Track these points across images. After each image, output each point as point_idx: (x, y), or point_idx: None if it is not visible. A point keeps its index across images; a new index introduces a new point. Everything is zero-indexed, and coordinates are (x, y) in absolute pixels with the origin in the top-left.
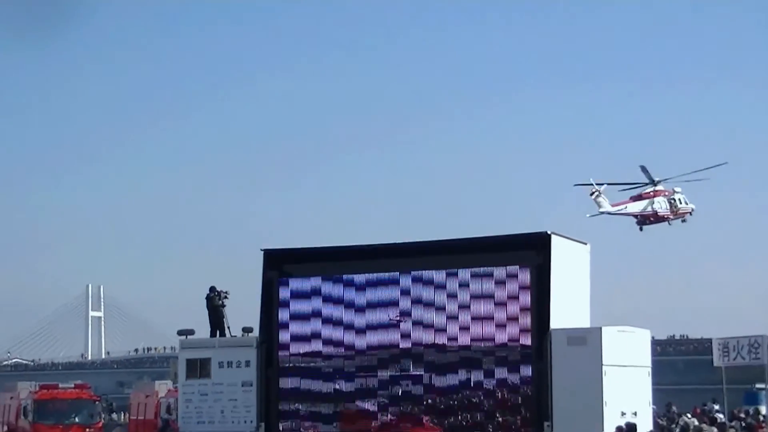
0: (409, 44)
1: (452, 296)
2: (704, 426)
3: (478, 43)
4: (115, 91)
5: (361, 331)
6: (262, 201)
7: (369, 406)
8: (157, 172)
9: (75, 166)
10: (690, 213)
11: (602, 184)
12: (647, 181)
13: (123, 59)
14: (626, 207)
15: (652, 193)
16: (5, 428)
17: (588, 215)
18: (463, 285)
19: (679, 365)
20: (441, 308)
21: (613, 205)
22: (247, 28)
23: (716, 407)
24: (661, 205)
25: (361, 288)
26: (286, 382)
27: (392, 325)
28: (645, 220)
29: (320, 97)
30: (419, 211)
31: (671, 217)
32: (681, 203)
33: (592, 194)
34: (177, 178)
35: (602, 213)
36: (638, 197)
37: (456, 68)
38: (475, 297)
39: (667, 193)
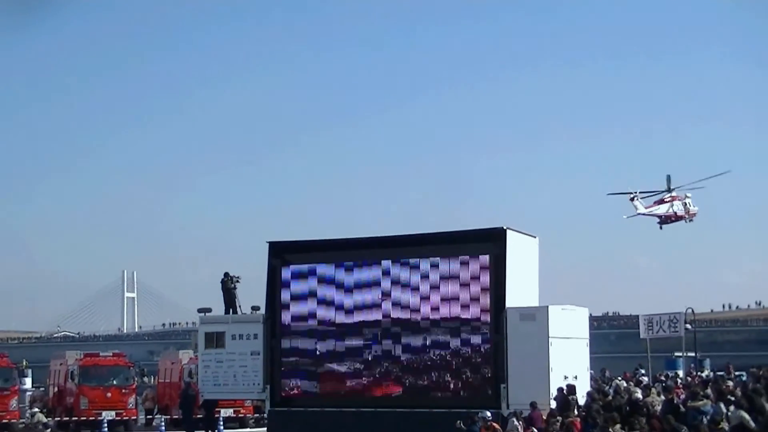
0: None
1: (425, 278)
2: (632, 387)
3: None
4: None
5: (348, 308)
6: (265, 198)
7: (344, 369)
8: (178, 176)
9: (113, 168)
10: (695, 214)
11: (632, 192)
12: (665, 189)
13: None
14: (657, 209)
15: (669, 198)
16: (56, 389)
17: (625, 216)
18: (434, 271)
19: (611, 337)
20: (415, 289)
21: (646, 207)
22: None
23: (642, 372)
24: (679, 208)
25: (349, 270)
26: (286, 351)
27: (375, 303)
28: (667, 219)
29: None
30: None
31: (687, 217)
32: (691, 206)
33: (631, 199)
34: (196, 181)
35: (638, 214)
36: (661, 201)
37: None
38: (443, 279)
39: (680, 198)
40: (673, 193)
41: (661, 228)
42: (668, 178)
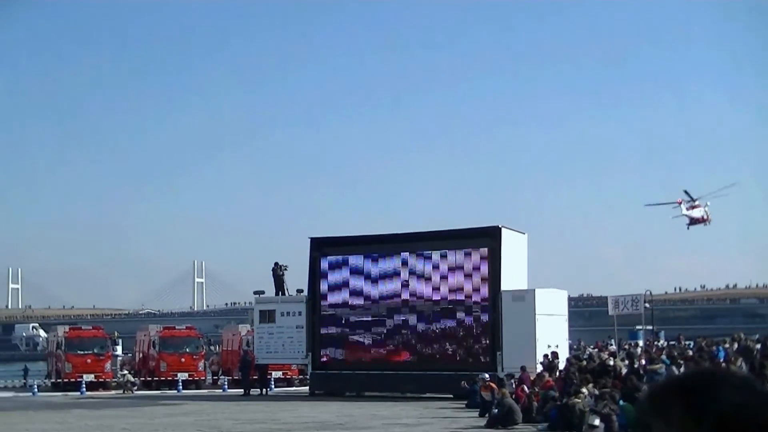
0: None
1: (435, 266)
2: (602, 354)
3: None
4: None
5: (374, 291)
6: (309, 199)
7: (371, 340)
8: (237, 186)
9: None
10: (710, 219)
11: (666, 203)
12: (689, 198)
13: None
14: (692, 212)
15: (697, 205)
16: (141, 355)
17: (671, 217)
18: (442, 260)
19: (585, 314)
20: (428, 275)
21: (687, 209)
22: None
23: (611, 342)
24: (703, 213)
25: (374, 260)
26: (325, 327)
27: (395, 287)
28: (695, 222)
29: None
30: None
31: (708, 220)
32: (709, 213)
33: (679, 204)
34: (252, 190)
35: (682, 215)
36: (692, 207)
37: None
38: (450, 267)
39: (702, 206)
40: (697, 202)
41: (688, 228)
42: (686, 191)
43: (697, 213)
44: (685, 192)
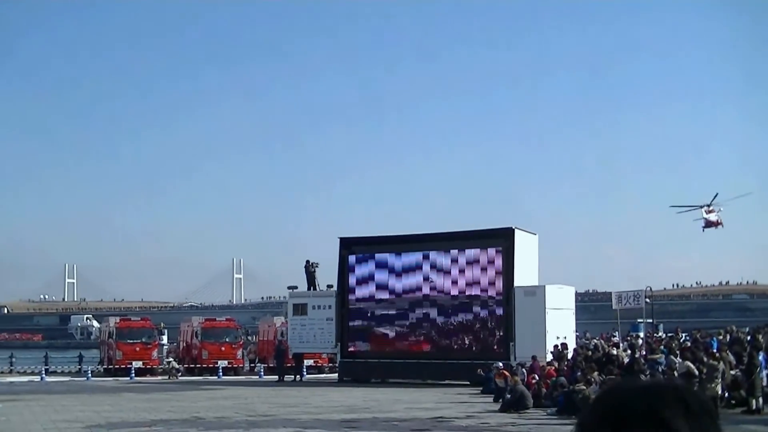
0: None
1: (454, 263)
2: (607, 345)
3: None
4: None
5: (398, 287)
6: (334, 202)
7: (395, 331)
8: (274, 189)
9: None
10: (722, 223)
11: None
12: (704, 203)
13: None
14: (710, 216)
15: (713, 210)
16: (185, 344)
17: (693, 219)
18: (460, 258)
19: (591, 308)
20: (447, 272)
21: (706, 213)
22: None
23: (615, 334)
24: (718, 218)
25: (398, 258)
26: (352, 320)
27: (417, 283)
28: (710, 225)
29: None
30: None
31: (720, 224)
32: (721, 218)
33: (701, 207)
34: (286, 192)
35: (702, 218)
36: (710, 212)
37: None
38: (468, 265)
39: (716, 211)
40: (712, 207)
41: (703, 231)
42: (715, 195)
43: (713, 217)
44: (715, 196)
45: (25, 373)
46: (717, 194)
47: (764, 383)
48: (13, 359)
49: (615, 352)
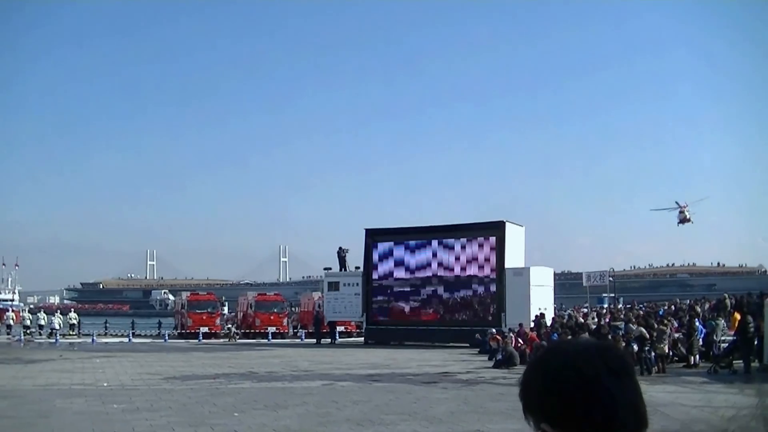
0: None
1: (458, 250)
2: (578, 314)
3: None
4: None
5: (411, 269)
6: (360, 196)
7: (411, 305)
8: (313, 185)
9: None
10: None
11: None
12: (676, 206)
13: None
14: (683, 215)
15: (684, 209)
16: (241, 314)
17: (677, 222)
18: (465, 245)
19: (566, 285)
20: (452, 258)
21: (679, 213)
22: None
23: (585, 306)
24: (688, 215)
25: (412, 246)
26: (375, 295)
27: (428, 266)
28: (684, 221)
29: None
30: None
31: (690, 221)
32: (690, 215)
33: (677, 209)
34: (319, 188)
35: (680, 216)
36: (681, 212)
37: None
38: (469, 250)
39: (687, 210)
40: (684, 208)
41: (678, 225)
42: (677, 202)
43: (687, 215)
44: (677, 203)
45: (116, 336)
46: (678, 202)
47: (700, 344)
48: (107, 325)
49: (583, 320)
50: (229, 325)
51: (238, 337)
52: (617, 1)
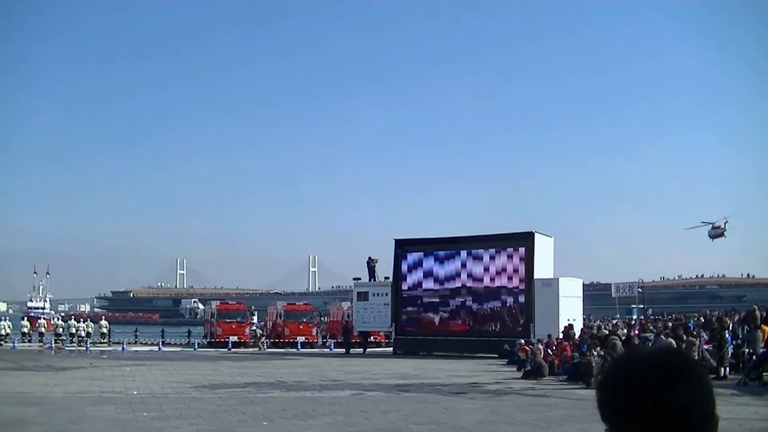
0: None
1: (487, 261)
2: (607, 325)
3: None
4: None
5: (440, 279)
6: (389, 207)
7: (440, 316)
8: (343, 197)
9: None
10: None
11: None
12: (704, 224)
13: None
14: (722, 230)
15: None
16: (271, 323)
17: (710, 238)
18: (493, 255)
19: (595, 296)
20: (481, 269)
21: (713, 228)
22: None
23: (617, 317)
24: (725, 230)
25: (440, 256)
26: (404, 305)
27: (457, 276)
28: (718, 236)
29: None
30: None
31: (724, 235)
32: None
33: (708, 224)
34: (353, 194)
35: (715, 232)
36: (717, 228)
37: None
38: (498, 261)
39: (726, 224)
40: (718, 223)
41: (712, 240)
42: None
43: (720, 232)
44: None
45: (146, 344)
46: (709, 221)
47: (729, 355)
48: (137, 333)
49: (613, 331)
50: (254, 328)
51: (264, 337)
52: None
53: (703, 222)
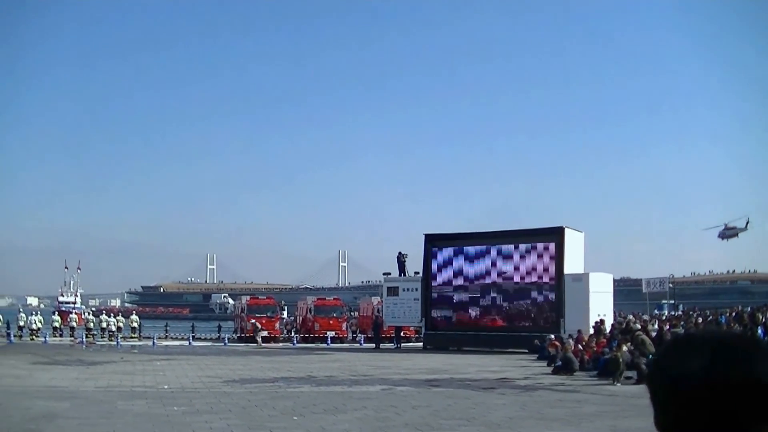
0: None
1: (517, 256)
2: (637, 320)
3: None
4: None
5: (471, 275)
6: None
7: (471, 312)
8: (374, 195)
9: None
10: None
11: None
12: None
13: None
14: (732, 230)
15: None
16: (300, 318)
17: (720, 238)
18: (523, 251)
19: (625, 291)
20: (511, 264)
21: (727, 228)
22: None
23: (653, 312)
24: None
25: (471, 251)
26: (434, 298)
27: (487, 272)
28: (730, 237)
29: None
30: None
31: (737, 236)
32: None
33: (733, 223)
34: (383, 191)
35: (729, 233)
36: (727, 228)
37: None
38: (528, 257)
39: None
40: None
41: (727, 240)
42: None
43: (734, 232)
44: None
45: (176, 339)
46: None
47: None
48: (168, 328)
49: (644, 326)
50: (289, 327)
51: (295, 336)
52: None
53: (725, 225)
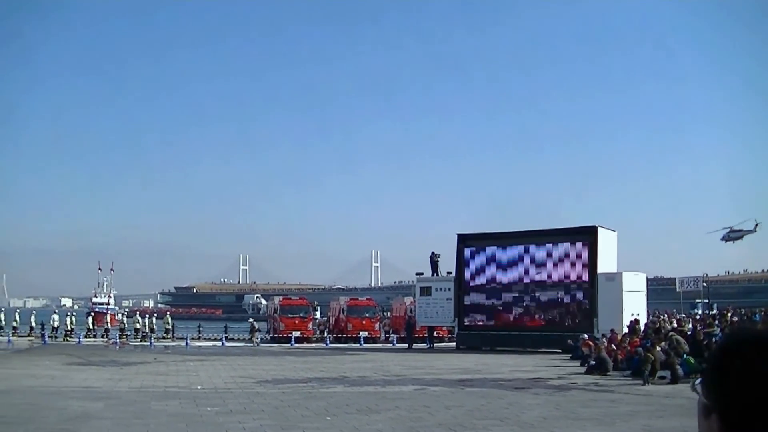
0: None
1: (549, 255)
2: (671, 319)
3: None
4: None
5: (503, 275)
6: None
7: (504, 311)
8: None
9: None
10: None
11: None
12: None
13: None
14: (738, 233)
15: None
16: (333, 318)
17: (723, 241)
18: (556, 250)
19: (659, 290)
20: (544, 263)
21: (732, 231)
22: None
23: (691, 311)
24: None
25: (504, 250)
26: (467, 300)
27: (520, 272)
28: (737, 239)
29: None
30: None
31: (742, 238)
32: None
33: (739, 227)
34: (416, 192)
35: (733, 235)
36: (731, 231)
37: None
38: (561, 256)
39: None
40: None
41: (726, 242)
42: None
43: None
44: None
45: (209, 339)
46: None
47: None
48: (201, 328)
49: (678, 325)
50: (321, 328)
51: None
52: None
53: (731, 228)
